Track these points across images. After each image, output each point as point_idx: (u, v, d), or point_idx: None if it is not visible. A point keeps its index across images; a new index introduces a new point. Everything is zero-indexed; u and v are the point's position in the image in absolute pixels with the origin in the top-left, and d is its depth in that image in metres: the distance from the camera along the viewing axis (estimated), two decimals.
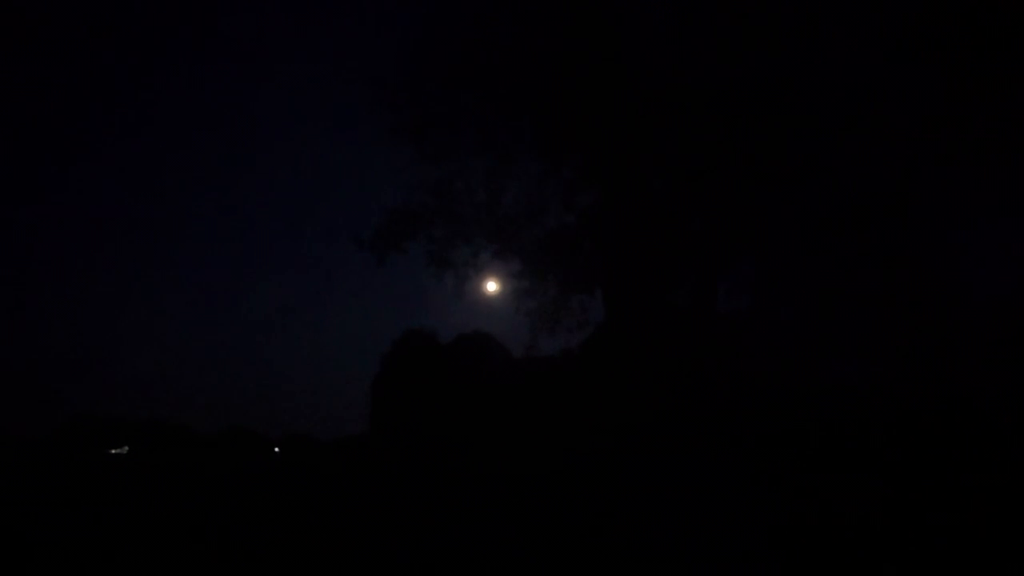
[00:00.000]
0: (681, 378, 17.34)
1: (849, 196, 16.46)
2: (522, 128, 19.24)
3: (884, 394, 15.61)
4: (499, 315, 25.82)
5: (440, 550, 8.49)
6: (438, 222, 20.16)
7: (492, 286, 21.62)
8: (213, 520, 11.78)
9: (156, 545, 9.32)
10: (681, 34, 16.92)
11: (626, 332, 18.88)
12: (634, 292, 19.11)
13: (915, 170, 16.17)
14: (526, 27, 17.83)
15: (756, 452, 15.16)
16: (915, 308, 16.45)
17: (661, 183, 19.35)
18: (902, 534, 8.40)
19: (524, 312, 20.74)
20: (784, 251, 18.04)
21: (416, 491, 15.43)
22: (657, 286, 19.22)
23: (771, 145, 16.94)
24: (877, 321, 16.50)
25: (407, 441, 24.09)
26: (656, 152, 18.55)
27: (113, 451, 49.88)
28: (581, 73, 17.81)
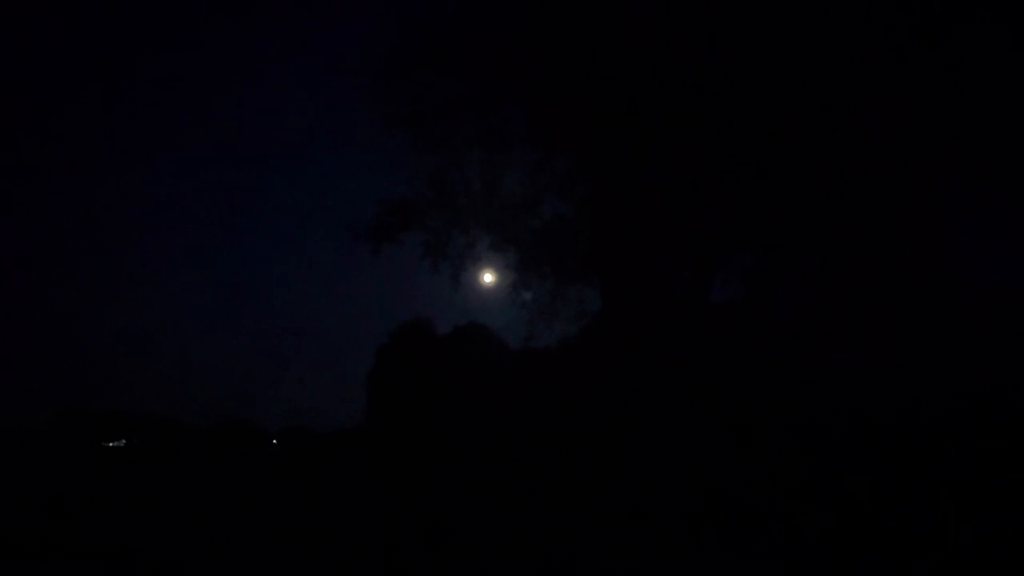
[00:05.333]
0: (678, 369, 17.27)
1: (847, 186, 16.35)
2: (517, 117, 19.13)
3: (882, 386, 15.55)
4: (496, 306, 25.74)
5: (438, 541, 8.43)
6: (434, 212, 20.09)
7: (489, 277, 21.57)
8: (213, 512, 11.74)
9: (156, 538, 9.26)
10: (678, 23, 16.76)
11: (623, 322, 18.80)
12: (631, 282, 19.02)
13: (914, 161, 16.06)
14: (521, 16, 17.66)
15: (754, 443, 15.11)
16: (914, 299, 16.38)
17: (658, 173, 19.23)
18: (900, 526, 8.34)
19: (521, 303, 20.70)
20: (781, 242, 17.95)
21: (414, 483, 15.39)
22: (654, 276, 19.13)
23: (768, 135, 16.81)
24: (875, 312, 16.43)
25: (404, 433, 24.03)
26: (653, 142, 18.41)
27: (110, 444, 49.81)
28: (577, 62, 17.65)
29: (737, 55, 16.01)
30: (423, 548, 8.12)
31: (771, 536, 8.07)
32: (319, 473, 20.21)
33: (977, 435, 13.19)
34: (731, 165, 17.18)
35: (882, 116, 15.71)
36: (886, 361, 16.03)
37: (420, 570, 7.27)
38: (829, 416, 15.29)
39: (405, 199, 20.01)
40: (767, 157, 16.88)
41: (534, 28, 17.68)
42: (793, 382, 16.51)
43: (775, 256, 18.33)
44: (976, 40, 14.83)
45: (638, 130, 17.84)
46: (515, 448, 18.42)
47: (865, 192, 16.24)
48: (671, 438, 15.86)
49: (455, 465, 17.91)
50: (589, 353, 20.20)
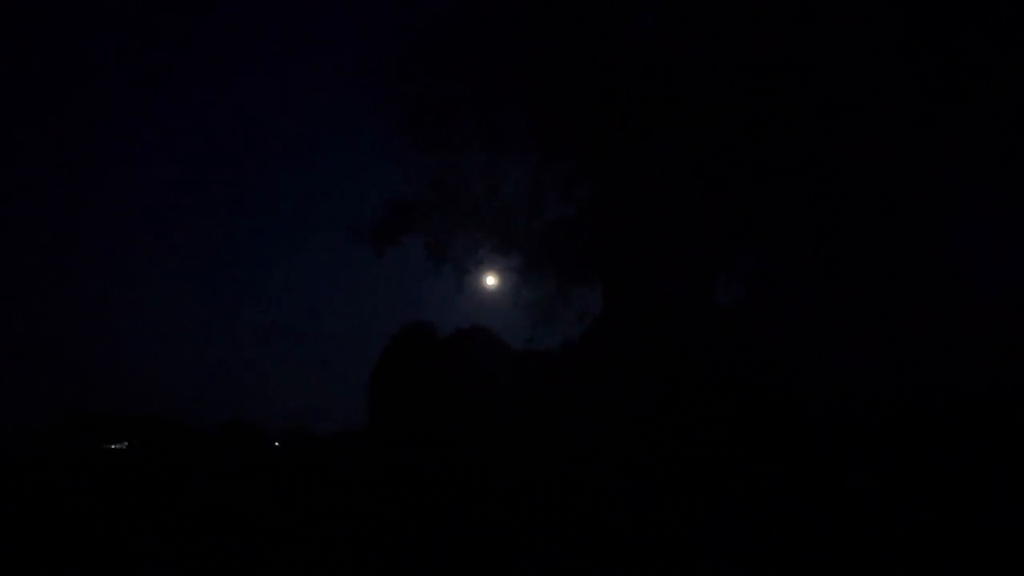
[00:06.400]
0: (680, 370, 17.25)
1: (849, 187, 16.34)
2: (519, 118, 19.14)
3: (884, 386, 15.52)
4: (498, 309, 25.75)
5: (440, 543, 8.43)
6: (436, 214, 20.10)
7: (491, 280, 21.59)
8: (216, 515, 11.74)
9: (158, 540, 9.26)
10: (680, 24, 16.78)
11: (624, 324, 18.78)
12: (633, 284, 19.01)
13: (916, 161, 16.04)
14: (522, 17, 17.68)
15: (755, 445, 15.09)
16: (916, 300, 16.35)
17: (659, 174, 19.23)
18: (903, 526, 8.32)
19: (523, 305, 20.70)
20: (783, 243, 17.93)
21: (416, 485, 15.39)
22: (656, 278, 19.12)
23: (770, 136, 16.80)
24: (877, 313, 16.40)
25: (406, 435, 23.99)
26: (654, 143, 18.41)
27: (113, 446, 49.76)
28: (578, 63, 17.66)
29: (738, 56, 16.02)
30: (426, 549, 8.12)
31: (773, 536, 8.06)
32: (322, 475, 20.22)
33: (980, 435, 13.16)
34: (732, 165, 17.17)
35: (884, 116, 15.70)
36: (889, 362, 15.99)
37: (422, 571, 7.28)
38: (831, 416, 15.27)
39: (407, 200, 20.07)
40: (768, 158, 16.88)
41: (534, 28, 17.69)
42: (796, 383, 16.48)
43: (777, 257, 18.31)
44: (976, 40, 14.82)
45: (639, 131, 17.84)
46: (517, 450, 18.40)
47: (867, 192, 16.23)
48: (673, 439, 15.84)
49: (458, 467, 17.89)
50: (591, 355, 20.18)
